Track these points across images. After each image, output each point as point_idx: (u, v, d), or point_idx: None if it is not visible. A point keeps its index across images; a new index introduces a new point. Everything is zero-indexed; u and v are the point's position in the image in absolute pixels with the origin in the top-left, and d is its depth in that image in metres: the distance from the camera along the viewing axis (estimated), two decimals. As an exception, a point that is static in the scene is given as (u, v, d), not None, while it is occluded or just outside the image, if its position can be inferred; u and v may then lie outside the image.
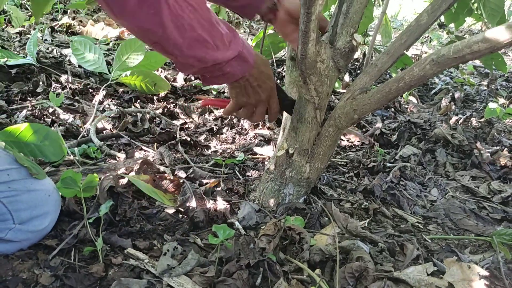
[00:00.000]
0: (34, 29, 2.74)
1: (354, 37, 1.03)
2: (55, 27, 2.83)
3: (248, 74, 0.86)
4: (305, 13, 0.91)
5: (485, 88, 2.77)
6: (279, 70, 2.44)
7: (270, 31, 2.33)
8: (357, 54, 2.95)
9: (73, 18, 3.07)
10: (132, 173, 1.21)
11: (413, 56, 3.32)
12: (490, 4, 1.70)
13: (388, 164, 1.49)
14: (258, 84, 0.91)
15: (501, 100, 2.54)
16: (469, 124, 1.95)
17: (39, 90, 1.71)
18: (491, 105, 2.16)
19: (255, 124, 1.75)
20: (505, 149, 1.73)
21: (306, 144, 1.13)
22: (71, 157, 1.27)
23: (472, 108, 2.43)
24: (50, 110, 1.55)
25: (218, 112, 1.89)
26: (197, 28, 0.71)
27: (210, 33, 0.73)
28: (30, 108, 1.56)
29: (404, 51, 1.04)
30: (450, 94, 2.52)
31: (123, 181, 1.16)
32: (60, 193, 0.95)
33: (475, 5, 2.09)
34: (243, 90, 0.91)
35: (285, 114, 1.31)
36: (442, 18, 2.79)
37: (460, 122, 1.94)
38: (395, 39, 1.04)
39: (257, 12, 1.03)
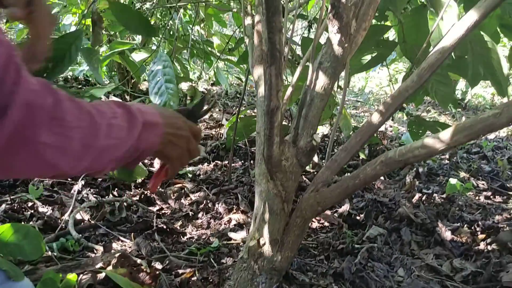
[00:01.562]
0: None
1: (313, 137, 1.15)
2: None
3: (163, 133, 0.76)
4: (268, 121, 1.02)
5: (447, 161, 2.94)
6: (252, 149, 2.56)
7: (242, 115, 2.47)
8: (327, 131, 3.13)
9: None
10: (110, 267, 1.25)
11: (378, 132, 3.52)
12: (440, 92, 1.88)
13: (356, 246, 1.57)
14: (177, 127, 0.81)
15: (462, 174, 2.70)
16: (432, 200, 2.07)
17: (18, 182, 1.76)
18: (452, 180, 2.30)
19: (229, 208, 1.82)
20: (466, 225, 1.83)
21: (276, 234, 1.21)
22: (49, 253, 1.30)
23: (436, 182, 2.57)
24: (30, 203, 1.60)
25: (193, 197, 1.95)
26: (90, 140, 0.60)
27: (109, 136, 0.63)
28: (9, 202, 1.60)
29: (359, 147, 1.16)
30: (415, 169, 2.67)
31: (101, 276, 1.20)
32: (40, 296, 0.98)
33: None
34: (169, 146, 0.79)
35: (256, 203, 1.39)
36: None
37: (423, 199, 2.05)
38: (351, 137, 1.17)
39: None
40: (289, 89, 1.26)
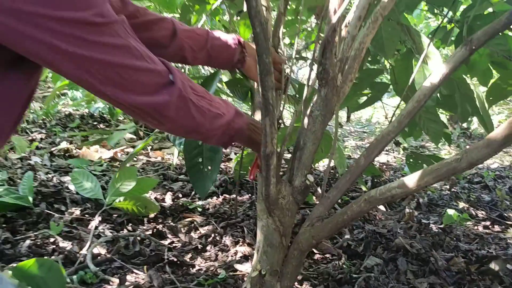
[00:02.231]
0: (34, 154, 3.00)
1: (307, 177, 1.28)
2: (54, 152, 3.10)
3: (248, 124, 1.11)
4: (265, 164, 1.16)
5: (448, 192, 3.04)
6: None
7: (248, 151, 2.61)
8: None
9: (70, 142, 3.36)
10: (125, 298, 1.37)
11: (379, 164, 3.64)
12: (431, 129, 2.00)
13: (354, 275, 1.67)
14: (256, 121, 1.16)
15: (462, 204, 2.78)
16: (429, 231, 2.17)
17: (40, 219, 1.91)
18: (449, 211, 2.40)
19: (236, 241, 1.94)
20: (461, 254, 1.93)
21: (276, 266, 1.32)
22: (70, 285, 1.43)
23: (436, 212, 2.66)
24: (51, 239, 1.74)
25: (203, 230, 2.08)
26: (210, 108, 0.96)
27: (217, 107, 0.98)
28: (33, 238, 1.74)
29: (349, 185, 1.29)
30: (415, 200, 2.77)
31: (117, 306, 1.32)
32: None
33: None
34: (254, 133, 1.13)
35: (258, 237, 1.51)
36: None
37: (420, 229, 2.15)
38: (341, 177, 1.30)
39: (231, 65, 1.32)
40: (288, 131, 1.40)
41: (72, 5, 0.67)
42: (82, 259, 1.65)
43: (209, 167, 1.48)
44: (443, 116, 4.18)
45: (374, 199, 1.10)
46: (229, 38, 1.28)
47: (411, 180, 1.02)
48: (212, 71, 1.82)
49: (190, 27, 1.26)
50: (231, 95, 1.74)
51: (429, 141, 5.32)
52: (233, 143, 1.14)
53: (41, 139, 3.47)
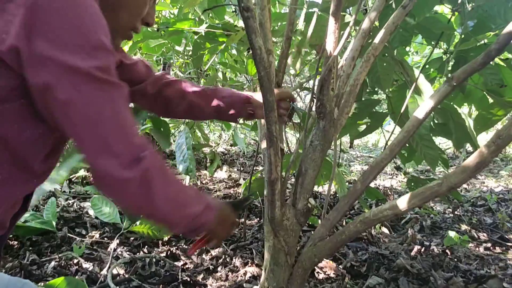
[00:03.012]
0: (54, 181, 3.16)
1: (309, 201, 1.41)
2: (72, 179, 3.26)
3: (216, 218, 1.04)
4: (270, 189, 1.30)
5: (451, 215, 3.13)
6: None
7: (259, 175, 2.74)
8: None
9: (88, 170, 3.53)
10: (143, 314, 1.49)
11: (383, 188, 3.75)
12: (428, 155, 2.13)
13: (357, 294, 1.77)
14: (226, 214, 1.11)
15: (464, 226, 2.87)
16: (430, 252, 2.26)
17: (63, 242, 2.05)
18: (450, 233, 2.50)
19: (245, 262, 2.06)
20: (460, 274, 2.02)
21: (282, 283, 1.44)
22: (94, 302, 1.55)
23: (439, 234, 2.76)
24: (75, 260, 1.88)
25: (214, 252, 2.20)
26: (178, 195, 0.91)
27: (185, 197, 0.94)
28: (57, 260, 1.88)
29: (348, 208, 1.42)
30: (419, 222, 2.87)
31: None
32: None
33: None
34: (219, 226, 1.07)
35: (265, 257, 1.63)
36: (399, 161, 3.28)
37: (422, 251, 2.25)
38: (340, 200, 1.43)
39: (241, 117, 1.36)
40: (291, 159, 1.54)
41: (78, 52, 0.70)
42: (103, 279, 1.78)
43: None
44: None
45: (369, 220, 1.23)
46: (238, 96, 1.33)
47: (400, 202, 1.15)
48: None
49: (201, 86, 1.36)
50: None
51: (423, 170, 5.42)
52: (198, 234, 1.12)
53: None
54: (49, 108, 0.73)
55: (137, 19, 0.96)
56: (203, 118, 1.40)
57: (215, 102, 1.31)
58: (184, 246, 2.24)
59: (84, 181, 3.28)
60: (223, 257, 2.12)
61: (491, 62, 1.91)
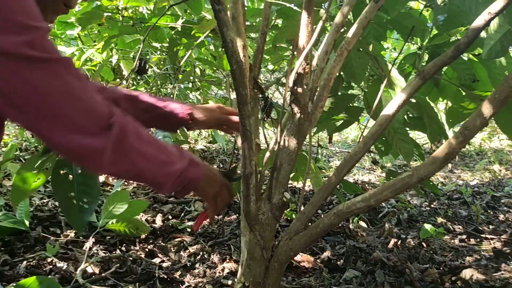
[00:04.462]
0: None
1: (284, 195, 1.41)
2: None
3: (203, 174, 1.08)
4: (245, 183, 1.29)
5: (427, 208, 3.18)
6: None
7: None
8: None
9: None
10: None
11: (361, 182, 3.79)
12: (403, 148, 2.15)
13: (334, 287, 1.78)
14: (214, 173, 1.15)
15: (440, 219, 2.92)
16: (406, 245, 2.30)
17: (37, 242, 2.01)
18: (426, 226, 2.54)
19: (223, 258, 2.05)
20: (435, 266, 2.05)
21: (258, 277, 1.44)
22: (67, 301, 1.53)
23: (415, 227, 2.80)
24: (48, 260, 1.84)
25: (191, 249, 2.19)
26: (158, 154, 0.93)
27: (167, 154, 0.96)
28: (30, 259, 1.84)
29: (323, 201, 1.43)
30: (396, 216, 2.90)
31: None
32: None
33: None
34: (208, 185, 1.12)
35: (242, 252, 1.63)
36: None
37: (398, 243, 2.28)
38: (316, 194, 1.43)
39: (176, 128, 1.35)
40: (267, 154, 1.54)
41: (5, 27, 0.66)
42: (77, 278, 1.75)
43: (84, 200, 1.37)
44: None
45: (342, 212, 1.23)
46: (178, 108, 1.30)
47: (372, 194, 1.16)
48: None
49: (137, 92, 1.33)
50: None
51: (413, 161, 5.50)
52: (189, 193, 1.13)
53: (35, 165, 3.56)
54: None
55: None
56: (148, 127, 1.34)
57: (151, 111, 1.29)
58: (162, 243, 2.22)
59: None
60: (201, 253, 2.11)
61: (464, 58, 1.96)
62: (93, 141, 0.77)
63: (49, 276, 1.73)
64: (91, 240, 2.08)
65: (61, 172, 1.36)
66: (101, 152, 0.79)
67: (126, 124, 0.84)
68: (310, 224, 1.42)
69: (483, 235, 2.66)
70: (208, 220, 1.21)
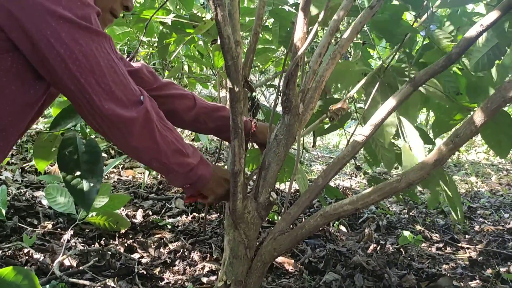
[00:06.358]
0: (5, 169, 3.03)
1: (271, 194, 1.41)
2: (25, 168, 3.13)
3: (212, 174, 1.18)
4: (233, 181, 1.29)
5: (406, 216, 3.23)
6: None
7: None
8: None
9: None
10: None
11: (342, 187, 3.82)
12: (385, 157, 2.18)
13: (314, 289, 1.79)
14: (224, 173, 1.26)
15: (418, 227, 2.97)
16: (385, 250, 2.32)
17: (13, 233, 1.96)
18: (405, 232, 2.58)
19: (203, 256, 2.04)
20: (413, 272, 2.08)
21: (240, 276, 1.43)
22: (44, 293, 1.49)
23: (394, 234, 2.83)
24: (25, 250, 1.79)
25: (172, 246, 2.16)
26: (175, 142, 1.03)
27: (182, 145, 1.05)
28: (5, 249, 1.79)
29: (309, 203, 1.43)
30: (376, 222, 2.93)
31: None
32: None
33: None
34: (217, 186, 1.23)
35: (225, 250, 1.62)
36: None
37: (377, 249, 2.30)
38: (302, 195, 1.43)
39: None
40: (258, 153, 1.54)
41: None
42: (54, 270, 1.71)
43: (90, 178, 1.41)
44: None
45: (329, 214, 1.24)
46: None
47: (360, 197, 1.16)
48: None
49: (210, 103, 1.44)
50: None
51: (398, 169, 5.58)
52: (196, 195, 1.25)
53: (12, 155, 3.48)
54: (46, 63, 0.79)
55: (116, 0, 1.02)
56: (204, 133, 1.53)
57: (218, 122, 1.43)
58: (142, 239, 2.20)
59: (38, 170, 3.15)
60: (181, 251, 2.09)
61: (450, 71, 1.99)
62: (125, 112, 0.87)
63: (25, 267, 1.69)
64: (70, 232, 2.04)
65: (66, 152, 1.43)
66: (132, 123, 0.89)
67: (153, 103, 0.95)
68: (294, 225, 1.42)
69: (459, 244, 2.71)
70: (201, 201, 1.34)
